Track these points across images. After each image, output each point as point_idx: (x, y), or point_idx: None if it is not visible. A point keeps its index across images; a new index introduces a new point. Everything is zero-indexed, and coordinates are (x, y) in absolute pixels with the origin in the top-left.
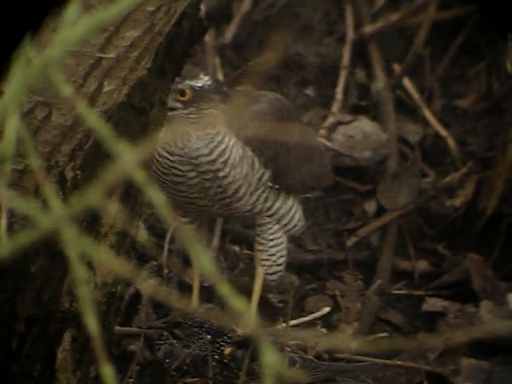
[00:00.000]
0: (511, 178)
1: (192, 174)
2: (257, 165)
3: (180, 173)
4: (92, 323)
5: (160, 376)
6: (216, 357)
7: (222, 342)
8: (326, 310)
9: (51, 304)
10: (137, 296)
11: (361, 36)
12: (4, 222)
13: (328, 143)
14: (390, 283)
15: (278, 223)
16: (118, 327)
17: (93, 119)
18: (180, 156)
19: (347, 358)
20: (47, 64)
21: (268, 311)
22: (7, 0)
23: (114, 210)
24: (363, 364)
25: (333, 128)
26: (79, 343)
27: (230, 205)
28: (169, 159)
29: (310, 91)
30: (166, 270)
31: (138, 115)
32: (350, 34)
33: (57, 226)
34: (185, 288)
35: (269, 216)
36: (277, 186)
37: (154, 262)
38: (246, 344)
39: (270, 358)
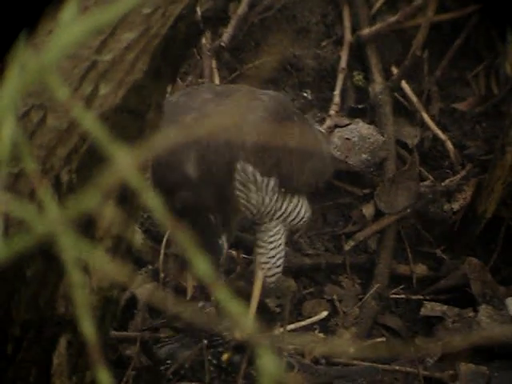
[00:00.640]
0: (510, 182)
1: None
2: (259, 177)
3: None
4: (88, 328)
5: (156, 381)
6: (213, 362)
7: (220, 346)
8: (324, 314)
9: (47, 308)
10: (133, 300)
11: (358, 38)
12: None
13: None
14: (388, 287)
15: (283, 222)
16: (115, 332)
17: (88, 122)
18: None
19: (345, 362)
20: (43, 67)
21: (265, 316)
22: (2, 0)
23: (109, 214)
24: (361, 368)
25: (330, 131)
26: (75, 348)
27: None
28: None
29: (307, 94)
30: (162, 275)
31: (134, 118)
32: (348, 37)
33: (52, 229)
34: (181, 292)
35: (277, 218)
36: (283, 189)
37: (150, 267)
38: (243, 349)
39: (268, 363)
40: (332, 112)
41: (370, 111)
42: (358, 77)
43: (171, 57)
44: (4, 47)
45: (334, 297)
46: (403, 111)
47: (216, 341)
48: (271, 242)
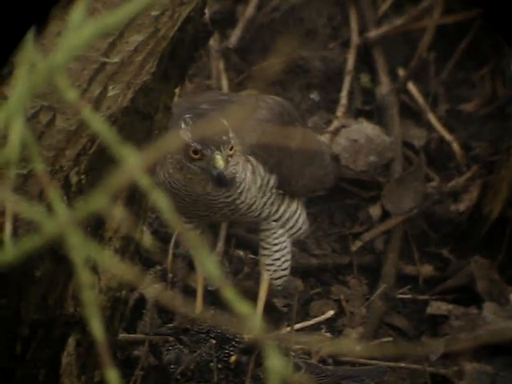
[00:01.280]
0: None
1: (206, 201)
2: (262, 172)
3: (191, 200)
4: (96, 328)
5: (164, 381)
6: (221, 362)
7: (228, 347)
8: (331, 314)
9: (56, 308)
10: (141, 300)
11: (365, 40)
12: (9, 226)
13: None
14: (394, 288)
15: (282, 227)
16: (125, 334)
17: (97, 124)
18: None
19: (352, 361)
20: (52, 69)
21: (273, 316)
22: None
23: (118, 215)
24: (368, 368)
25: (337, 132)
26: (84, 348)
27: (238, 212)
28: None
29: (314, 95)
30: (170, 275)
31: (142, 120)
32: (355, 39)
33: (61, 230)
34: (189, 293)
35: (274, 221)
36: (281, 191)
37: (159, 267)
38: (250, 350)
39: (275, 364)
40: (339, 113)
41: (377, 113)
42: (365, 78)
43: (179, 59)
44: (12, 48)
45: (341, 297)
46: (410, 113)
47: (224, 341)
48: (275, 244)
